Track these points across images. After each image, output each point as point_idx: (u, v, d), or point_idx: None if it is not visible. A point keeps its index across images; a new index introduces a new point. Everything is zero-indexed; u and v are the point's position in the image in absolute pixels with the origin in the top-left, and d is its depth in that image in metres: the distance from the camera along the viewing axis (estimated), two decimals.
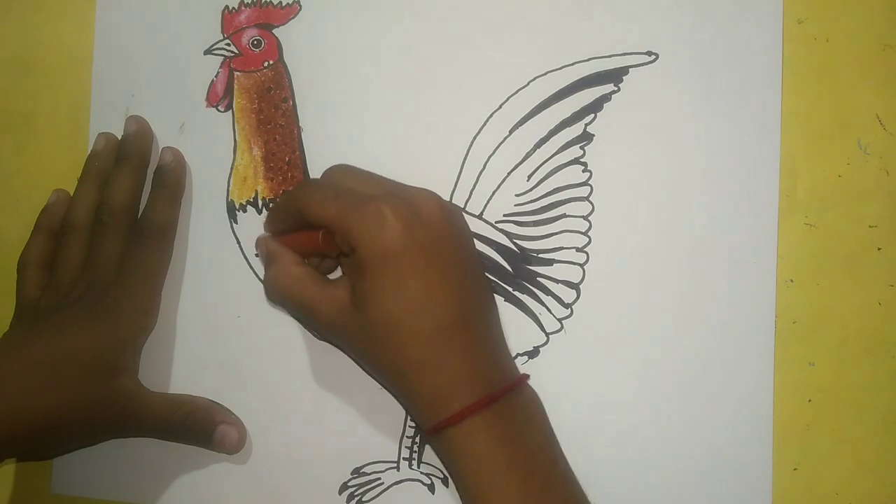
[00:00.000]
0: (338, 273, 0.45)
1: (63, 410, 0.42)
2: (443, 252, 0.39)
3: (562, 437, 0.41)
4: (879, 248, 0.43)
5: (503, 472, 0.37)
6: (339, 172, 0.42)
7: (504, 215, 0.45)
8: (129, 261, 0.44)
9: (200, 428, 0.44)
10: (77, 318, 0.43)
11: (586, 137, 0.44)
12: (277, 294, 0.42)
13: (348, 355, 0.44)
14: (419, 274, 0.37)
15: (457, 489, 0.39)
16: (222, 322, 0.47)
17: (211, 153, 0.47)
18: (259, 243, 0.44)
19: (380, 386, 0.45)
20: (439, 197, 0.40)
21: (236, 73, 0.47)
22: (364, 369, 0.43)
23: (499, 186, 0.45)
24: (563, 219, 0.44)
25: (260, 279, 0.46)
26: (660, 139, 0.44)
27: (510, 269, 0.45)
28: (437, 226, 0.39)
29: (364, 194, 0.39)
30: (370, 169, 0.44)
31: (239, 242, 0.47)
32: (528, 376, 0.41)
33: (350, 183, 0.41)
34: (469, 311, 0.39)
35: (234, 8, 0.48)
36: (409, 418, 0.45)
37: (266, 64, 0.47)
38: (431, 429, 0.38)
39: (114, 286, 0.44)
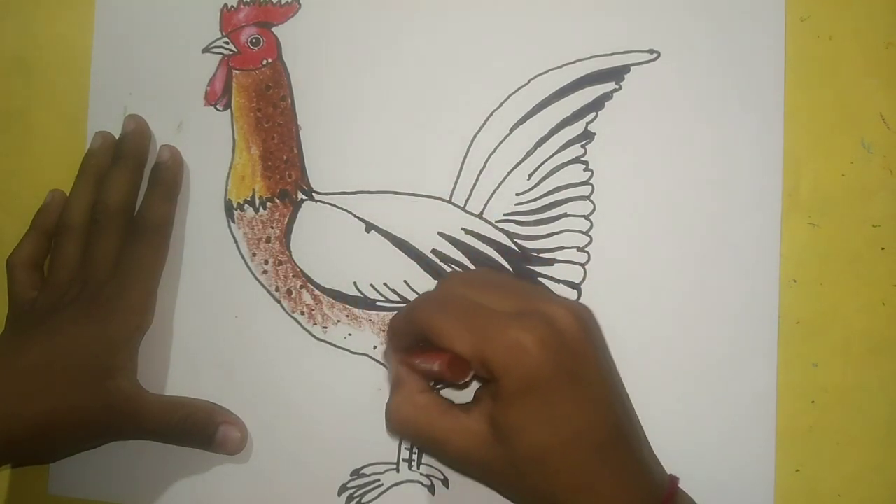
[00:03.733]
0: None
1: (60, 414, 0.42)
2: (587, 370, 0.36)
3: None
4: (883, 248, 0.43)
5: None
6: (460, 284, 0.38)
7: (504, 215, 0.45)
8: (123, 259, 0.44)
9: (201, 429, 0.44)
10: (72, 320, 0.43)
11: (587, 136, 0.44)
12: (399, 425, 0.38)
13: (485, 484, 0.40)
14: (568, 398, 0.35)
15: None
16: (220, 322, 0.46)
17: (209, 152, 0.47)
18: (388, 367, 0.40)
19: (380, 386, 0.45)
20: (574, 307, 0.37)
21: (235, 72, 0.47)
22: (505, 496, 0.39)
23: (499, 185, 0.45)
24: (564, 218, 0.44)
25: (258, 280, 0.46)
26: (661, 138, 0.44)
27: (510, 269, 0.44)
28: (578, 343, 0.36)
29: (496, 315, 0.36)
30: (369, 168, 0.44)
31: (236, 241, 0.47)
32: (678, 479, 0.39)
33: (474, 295, 0.37)
34: (618, 427, 0.37)
35: (232, 6, 0.47)
36: None
37: (265, 62, 0.47)
38: None
39: (108, 286, 0.44)
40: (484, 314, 0.36)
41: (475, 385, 0.42)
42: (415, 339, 0.38)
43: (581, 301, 0.44)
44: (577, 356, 0.36)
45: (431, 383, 0.39)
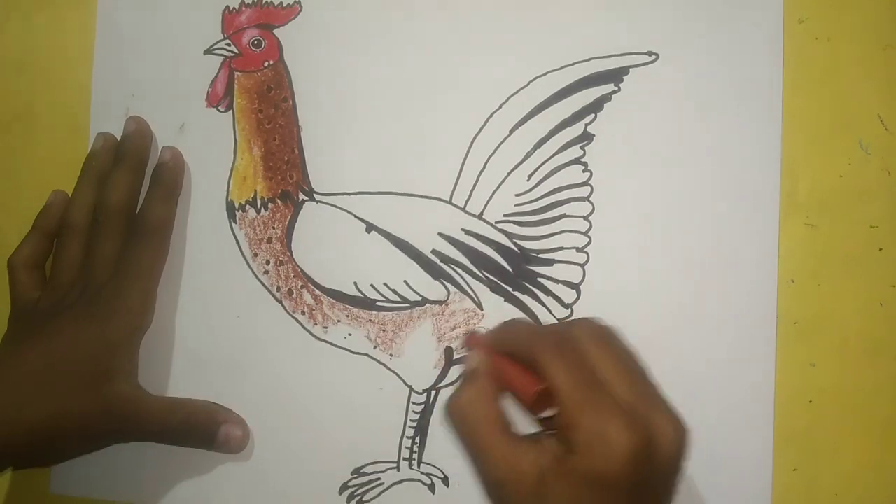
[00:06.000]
0: None
1: (61, 417, 0.42)
2: (656, 493, 0.34)
3: None
4: (881, 249, 0.43)
5: None
6: (594, 344, 0.36)
7: (504, 215, 0.45)
8: (123, 260, 0.44)
9: (203, 429, 0.44)
10: (72, 321, 0.43)
11: (587, 137, 0.44)
12: (460, 419, 0.36)
13: None
14: None
15: None
16: (221, 322, 0.47)
17: (211, 153, 0.47)
18: (471, 354, 0.38)
19: (380, 386, 0.45)
20: (680, 426, 0.35)
21: (236, 74, 0.47)
22: None
23: (499, 186, 0.45)
24: (564, 219, 0.44)
25: (259, 280, 0.46)
26: (660, 139, 0.44)
27: (510, 269, 0.45)
28: (668, 466, 0.34)
29: (608, 398, 0.34)
30: (370, 169, 0.44)
31: (238, 242, 0.47)
32: None
33: (594, 362, 0.35)
34: None
35: (234, 8, 0.47)
36: (409, 418, 0.45)
37: (266, 64, 0.47)
38: None
39: (107, 286, 0.44)
40: (601, 385, 0.34)
41: None
42: (513, 352, 0.36)
43: (580, 301, 0.44)
44: (659, 477, 0.34)
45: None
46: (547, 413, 0.35)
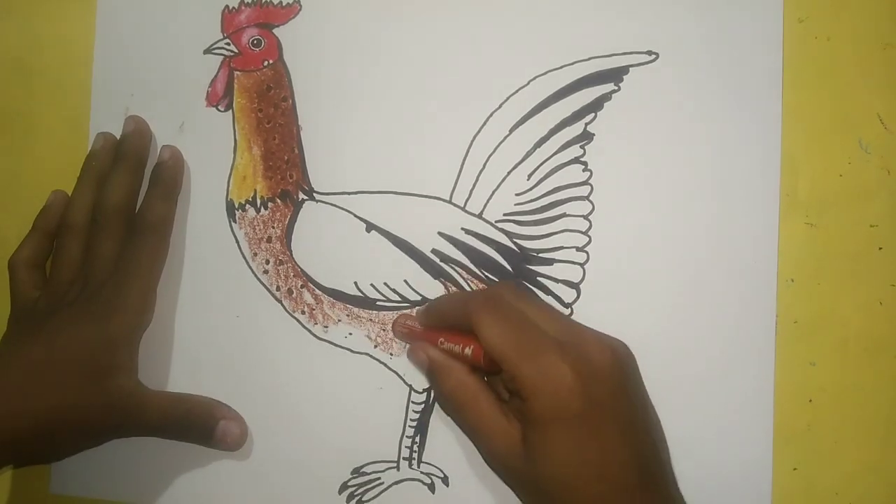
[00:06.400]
0: None
1: (62, 413, 0.42)
2: (619, 409, 0.36)
3: None
4: (880, 248, 0.43)
5: None
6: (514, 296, 0.39)
7: (504, 215, 0.45)
8: (122, 259, 0.44)
9: (201, 424, 0.44)
10: (73, 320, 0.43)
11: (586, 137, 0.44)
12: (455, 407, 0.39)
13: (512, 488, 0.39)
14: (596, 436, 0.35)
15: None
16: (221, 322, 0.47)
17: (210, 152, 0.47)
18: (415, 350, 0.41)
19: (380, 386, 0.45)
20: (613, 343, 0.38)
21: (236, 73, 0.47)
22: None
23: (499, 186, 0.45)
24: (564, 218, 0.44)
25: (259, 280, 0.46)
26: (660, 138, 0.44)
27: (510, 269, 0.45)
28: (613, 380, 0.37)
29: (540, 335, 0.37)
30: (370, 168, 0.44)
31: (238, 241, 0.47)
32: None
33: (525, 309, 0.38)
34: (648, 470, 0.37)
35: (234, 7, 0.47)
36: (409, 418, 0.45)
37: (266, 63, 0.47)
38: None
39: (107, 285, 0.44)
40: (529, 330, 0.37)
41: None
42: (450, 324, 0.40)
43: (580, 301, 0.44)
44: (610, 393, 0.36)
45: None
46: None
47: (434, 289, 0.45)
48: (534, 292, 0.41)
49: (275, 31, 0.47)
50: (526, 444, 0.36)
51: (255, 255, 0.46)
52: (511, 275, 0.44)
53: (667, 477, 0.38)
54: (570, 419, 0.35)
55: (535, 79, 0.45)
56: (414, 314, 0.44)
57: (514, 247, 0.45)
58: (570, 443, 0.35)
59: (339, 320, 0.46)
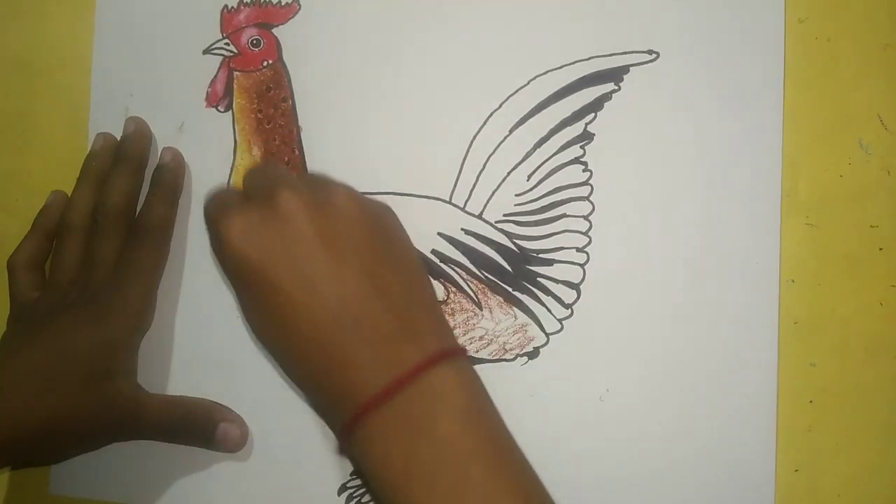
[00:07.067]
0: None
1: (60, 415, 0.42)
2: (356, 246, 0.36)
3: (561, 436, 0.41)
4: (881, 249, 0.43)
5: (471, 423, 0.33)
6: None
7: (504, 215, 0.45)
8: (123, 261, 0.44)
9: (201, 427, 0.44)
10: (72, 321, 0.43)
11: (587, 137, 0.44)
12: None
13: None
14: (319, 260, 0.35)
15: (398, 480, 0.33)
16: (221, 322, 0.47)
17: (210, 153, 0.47)
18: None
19: None
20: (356, 193, 0.38)
21: (235, 73, 0.47)
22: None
23: (499, 186, 0.45)
24: (564, 218, 0.44)
25: None
26: (660, 139, 0.44)
27: (510, 269, 0.44)
28: (350, 221, 0.36)
29: (231, 202, 0.38)
30: (370, 169, 0.44)
31: None
32: (464, 350, 0.36)
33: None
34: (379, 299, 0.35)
35: (233, 7, 0.47)
36: None
37: (265, 63, 0.47)
38: (356, 417, 0.33)
39: (107, 287, 0.44)
40: (226, 201, 0.38)
41: None
42: None
43: (580, 301, 0.44)
44: (347, 231, 0.36)
45: None
46: None
47: (434, 289, 0.45)
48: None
49: (274, 31, 0.47)
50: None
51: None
52: (511, 275, 0.44)
53: (412, 310, 0.36)
54: (297, 237, 0.35)
55: (535, 79, 0.45)
56: None
57: (514, 247, 0.45)
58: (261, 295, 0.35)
59: None
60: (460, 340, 0.44)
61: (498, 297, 0.44)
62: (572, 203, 0.44)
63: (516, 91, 0.45)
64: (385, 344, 0.34)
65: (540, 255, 0.44)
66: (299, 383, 0.37)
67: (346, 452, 0.35)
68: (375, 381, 0.33)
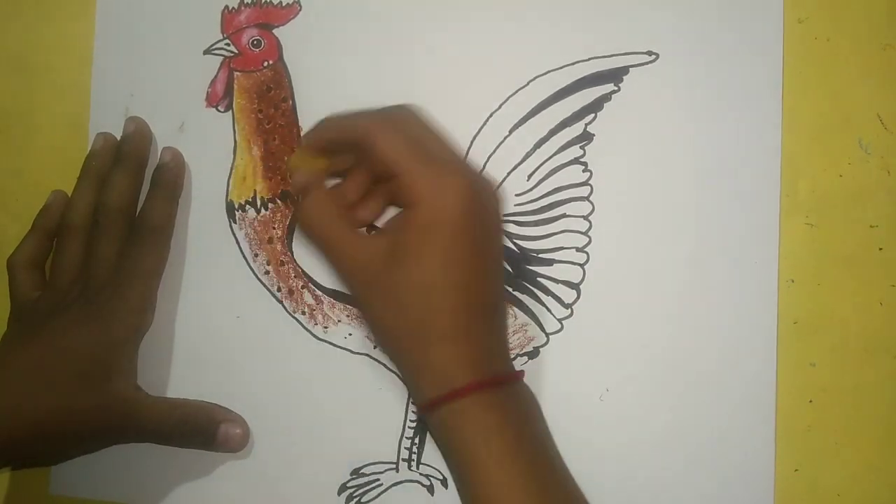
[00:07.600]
0: None
1: (61, 414, 0.42)
2: (490, 237, 0.39)
3: (561, 436, 0.41)
4: (881, 248, 0.43)
5: (510, 452, 0.37)
6: (412, 117, 0.41)
7: (504, 215, 0.45)
8: (123, 261, 0.44)
9: (202, 429, 0.44)
10: (72, 321, 0.43)
11: (586, 137, 0.44)
12: (308, 227, 0.41)
13: (359, 309, 0.42)
14: (469, 250, 0.38)
15: (453, 469, 0.39)
16: (221, 323, 0.47)
17: (210, 153, 0.47)
18: (294, 160, 0.43)
19: (380, 386, 0.45)
20: (495, 186, 0.42)
21: (236, 73, 0.47)
22: (371, 329, 0.42)
23: (498, 186, 0.45)
24: (564, 219, 0.44)
25: (259, 280, 0.46)
26: (660, 139, 0.44)
27: (510, 269, 0.44)
28: (493, 211, 0.40)
29: (437, 149, 0.39)
30: None
31: (238, 242, 0.47)
32: (524, 373, 0.41)
33: (421, 133, 0.40)
34: (494, 298, 0.40)
35: (233, 7, 0.47)
36: (408, 419, 0.45)
37: (265, 64, 0.47)
38: (436, 400, 0.38)
39: (107, 287, 0.44)
40: (428, 142, 0.39)
41: None
42: (341, 146, 0.41)
43: (580, 301, 0.44)
44: (488, 221, 0.39)
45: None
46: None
47: None
48: (431, 121, 0.41)
49: (275, 31, 0.47)
50: (394, 252, 0.38)
51: (256, 255, 0.46)
52: (511, 275, 0.44)
53: (504, 319, 0.42)
54: (452, 229, 0.37)
55: (535, 79, 0.45)
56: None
57: (514, 247, 0.45)
58: (444, 250, 0.37)
59: (339, 321, 0.46)
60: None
61: None
62: (572, 203, 0.44)
63: (516, 91, 0.45)
64: (501, 343, 0.41)
65: (540, 255, 0.45)
66: (409, 337, 0.38)
67: (423, 412, 0.39)
68: (488, 370, 0.38)
